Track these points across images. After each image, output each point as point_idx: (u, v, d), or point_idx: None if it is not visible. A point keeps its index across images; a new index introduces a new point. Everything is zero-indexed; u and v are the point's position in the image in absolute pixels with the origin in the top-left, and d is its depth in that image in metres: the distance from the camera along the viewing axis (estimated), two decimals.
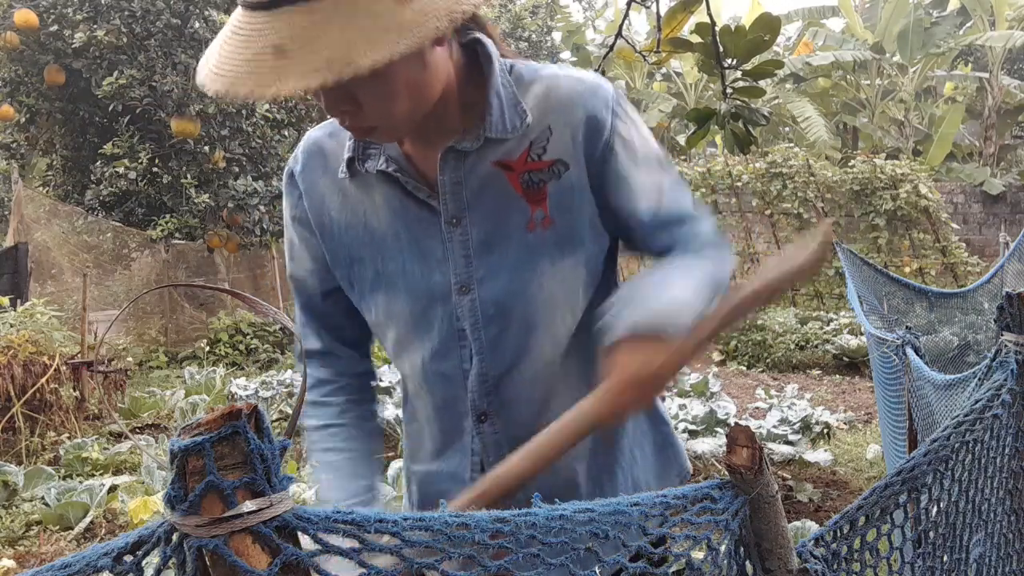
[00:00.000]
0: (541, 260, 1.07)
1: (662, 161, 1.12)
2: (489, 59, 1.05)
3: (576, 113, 1.05)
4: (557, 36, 19.27)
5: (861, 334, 7.91)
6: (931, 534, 1.10)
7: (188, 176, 9.70)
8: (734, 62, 2.00)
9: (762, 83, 2.20)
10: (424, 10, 0.84)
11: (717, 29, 1.95)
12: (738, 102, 2.02)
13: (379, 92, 0.93)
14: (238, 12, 0.89)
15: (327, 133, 1.14)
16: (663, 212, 1.10)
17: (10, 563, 3.63)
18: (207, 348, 9.29)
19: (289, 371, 7.39)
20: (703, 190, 12.51)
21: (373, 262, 1.12)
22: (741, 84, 2.06)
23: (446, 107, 1.03)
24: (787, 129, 18.54)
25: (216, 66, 0.88)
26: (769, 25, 1.93)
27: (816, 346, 8.79)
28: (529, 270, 1.07)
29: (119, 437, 5.78)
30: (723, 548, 0.85)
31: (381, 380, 6.46)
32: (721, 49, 1.96)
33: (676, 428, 4.91)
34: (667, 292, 1.02)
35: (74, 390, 5.86)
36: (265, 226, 10.51)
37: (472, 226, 1.07)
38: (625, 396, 0.97)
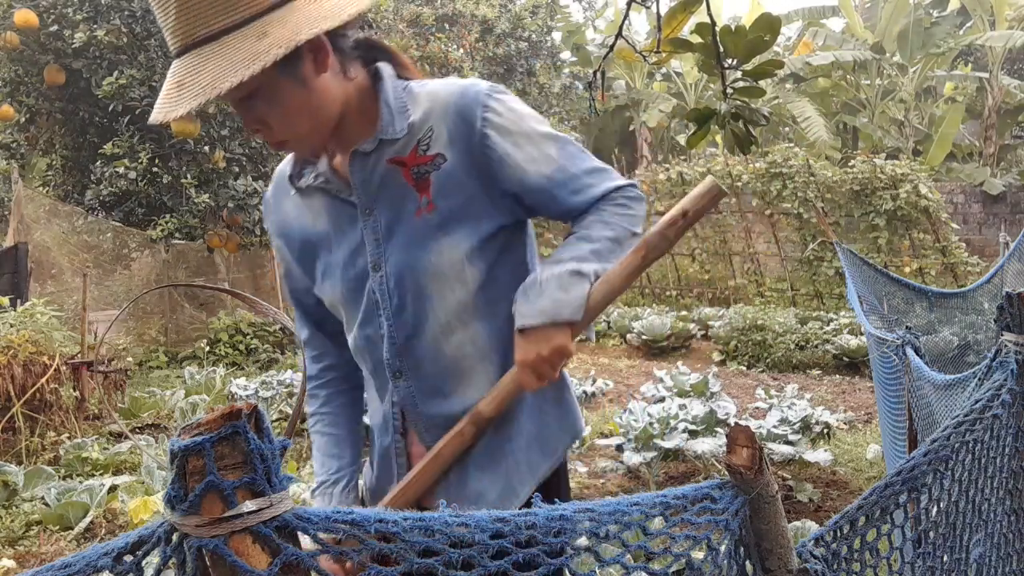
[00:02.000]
0: (427, 240, 1.30)
1: (547, 135, 1.32)
2: (380, 78, 1.31)
3: (448, 111, 1.29)
4: (557, 36, 19.27)
5: (861, 334, 7.91)
6: (931, 534, 1.10)
7: (188, 176, 9.69)
8: (734, 62, 1.99)
9: (762, 83, 2.20)
10: (272, 42, 1.12)
11: (717, 29, 1.95)
12: (738, 102, 2.02)
13: (276, 113, 1.21)
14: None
15: (287, 163, 1.43)
16: (557, 176, 1.31)
17: (10, 563, 3.63)
18: (207, 348, 9.29)
19: (289, 371, 7.39)
20: None
21: (322, 257, 1.39)
22: (741, 84, 2.05)
23: (351, 121, 1.29)
24: (787, 129, 18.54)
25: (158, 102, 1.18)
26: (769, 25, 1.92)
27: (816, 346, 8.79)
28: (419, 248, 1.30)
29: (119, 437, 5.78)
30: (723, 548, 0.85)
31: None
32: (721, 49, 1.96)
33: (676, 428, 4.91)
34: (552, 287, 1.26)
35: (74, 390, 5.86)
36: (265, 226, 10.51)
37: (380, 215, 1.32)
38: (523, 377, 1.27)
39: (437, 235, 1.29)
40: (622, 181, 1.35)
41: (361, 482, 1.50)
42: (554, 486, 1.40)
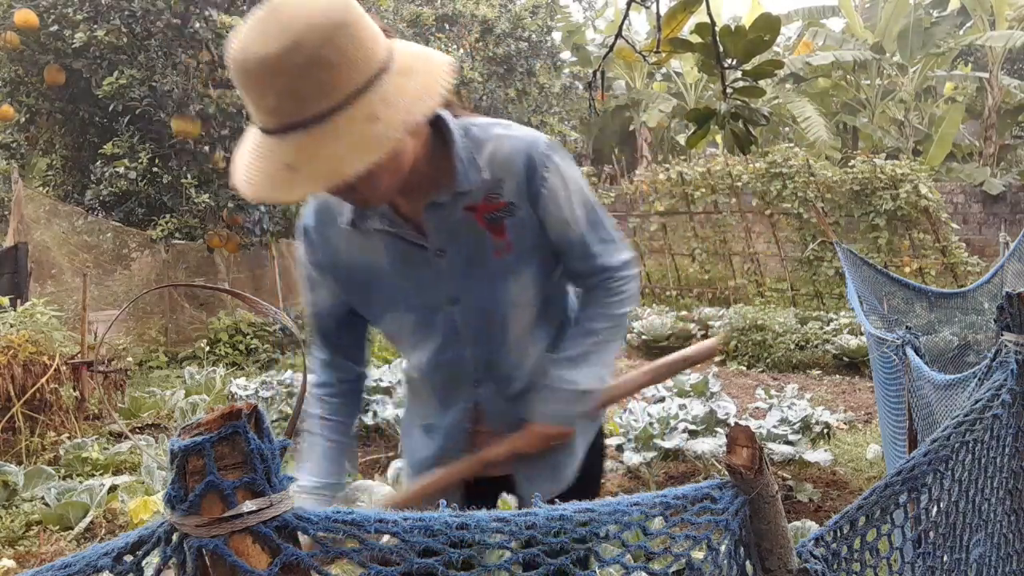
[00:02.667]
0: (507, 276, 1.47)
1: (583, 201, 1.50)
2: (450, 131, 1.40)
3: (517, 168, 1.42)
4: (557, 36, 19.27)
5: (861, 334, 7.91)
6: (931, 534, 1.10)
7: (188, 176, 9.69)
8: (734, 62, 1.99)
9: (762, 83, 2.20)
10: (387, 126, 1.15)
11: (717, 29, 1.95)
12: (738, 102, 2.02)
13: (365, 179, 1.24)
14: (257, 134, 1.21)
15: (330, 198, 1.46)
16: (575, 242, 1.51)
17: (10, 563, 3.63)
18: (207, 348, 9.28)
19: (289, 371, 7.39)
20: (703, 190, 12.52)
21: (379, 290, 1.51)
22: (741, 84, 2.05)
23: (420, 170, 1.36)
24: (787, 129, 18.53)
25: (247, 177, 1.21)
26: (769, 25, 1.92)
27: (816, 346, 8.79)
28: (500, 284, 1.48)
29: (119, 437, 5.78)
30: (723, 548, 0.85)
31: (381, 380, 6.46)
32: (721, 49, 1.96)
33: (676, 428, 4.92)
34: (564, 398, 1.53)
35: (74, 390, 5.86)
36: (265, 226, 10.50)
37: (454, 256, 1.45)
38: (526, 445, 1.54)
39: (515, 272, 1.48)
40: (623, 258, 1.56)
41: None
42: (598, 445, 1.72)
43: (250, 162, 1.21)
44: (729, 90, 2.04)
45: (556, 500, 1.37)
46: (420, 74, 1.22)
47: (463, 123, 1.43)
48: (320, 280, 1.55)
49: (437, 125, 1.40)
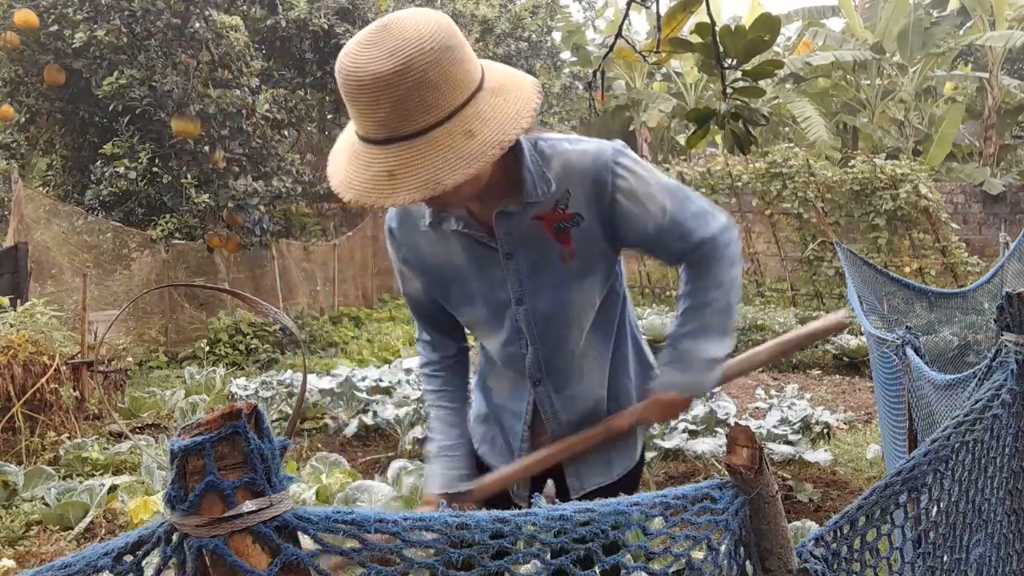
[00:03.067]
0: (571, 282, 1.56)
1: (664, 188, 1.55)
2: (521, 147, 1.48)
3: (585, 180, 1.50)
4: (557, 36, 19.27)
5: (861, 334, 7.90)
6: (931, 534, 1.10)
7: (188, 176, 9.69)
8: (734, 62, 1.99)
9: (762, 83, 2.20)
10: (484, 143, 1.26)
11: (717, 29, 1.95)
12: (738, 102, 2.02)
13: (453, 189, 1.29)
14: (356, 141, 1.31)
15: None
16: (667, 226, 1.55)
17: (10, 563, 3.63)
18: (207, 348, 9.28)
19: (289, 371, 7.39)
20: (703, 190, 12.51)
21: (457, 285, 1.63)
22: (741, 84, 2.05)
23: (493, 179, 1.44)
24: (787, 129, 18.53)
25: (346, 180, 1.31)
26: (769, 25, 1.92)
27: (816, 346, 8.79)
28: (564, 290, 1.57)
29: (119, 437, 5.78)
30: (723, 548, 0.85)
31: (381, 380, 6.46)
32: (721, 49, 1.96)
33: (676, 428, 4.92)
34: (697, 367, 1.62)
35: (74, 390, 5.85)
36: (265, 226, 10.50)
37: (521, 260, 1.55)
38: (652, 414, 1.69)
39: (579, 280, 1.57)
40: (719, 224, 1.60)
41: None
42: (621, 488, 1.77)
43: (350, 168, 1.31)
44: (729, 90, 2.04)
45: (592, 496, 1.57)
46: (512, 95, 1.33)
47: (532, 137, 1.52)
48: (409, 274, 1.69)
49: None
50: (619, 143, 1.56)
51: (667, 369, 1.65)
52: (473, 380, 1.87)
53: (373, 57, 1.22)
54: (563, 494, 1.74)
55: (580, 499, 1.62)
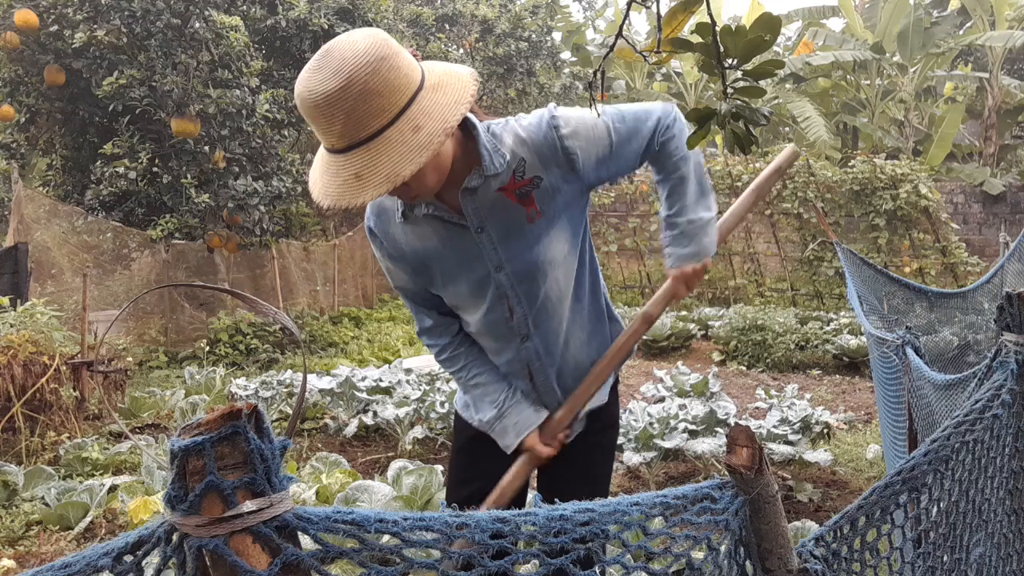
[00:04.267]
0: (541, 237, 1.72)
1: (598, 120, 1.72)
2: (475, 127, 1.65)
3: (535, 144, 1.68)
4: (557, 36, 19.27)
5: (861, 334, 7.91)
6: (931, 534, 1.10)
7: (188, 176, 9.68)
8: (734, 62, 1.99)
9: (762, 83, 2.21)
10: (430, 133, 1.43)
11: (717, 29, 1.95)
12: (738, 102, 2.02)
13: (417, 178, 1.52)
14: (325, 155, 1.49)
15: (387, 199, 1.75)
16: (616, 142, 1.74)
17: (10, 563, 3.63)
18: (207, 348, 9.28)
19: (289, 371, 7.39)
20: None
21: (438, 266, 1.77)
22: (741, 84, 2.05)
23: (455, 164, 1.62)
24: (787, 129, 18.53)
25: (323, 189, 1.48)
26: (769, 25, 1.92)
27: (816, 346, 8.79)
28: (536, 246, 1.72)
29: (119, 437, 5.78)
30: (723, 548, 0.85)
31: (381, 380, 6.46)
32: (721, 49, 1.96)
33: (676, 428, 4.91)
34: (699, 235, 1.83)
35: (74, 390, 5.85)
36: (265, 226, 10.50)
37: (492, 230, 1.70)
38: (679, 291, 1.88)
39: (548, 234, 1.72)
40: (656, 115, 1.78)
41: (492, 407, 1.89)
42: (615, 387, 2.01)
43: (324, 178, 1.48)
44: (729, 90, 2.04)
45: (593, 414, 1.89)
46: (450, 87, 1.49)
47: (485, 123, 1.70)
48: (394, 268, 1.83)
49: (464, 126, 1.67)
50: (551, 105, 1.74)
51: (674, 248, 1.85)
52: None
53: (321, 79, 1.40)
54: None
55: (586, 416, 1.89)
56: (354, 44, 1.42)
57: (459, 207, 1.69)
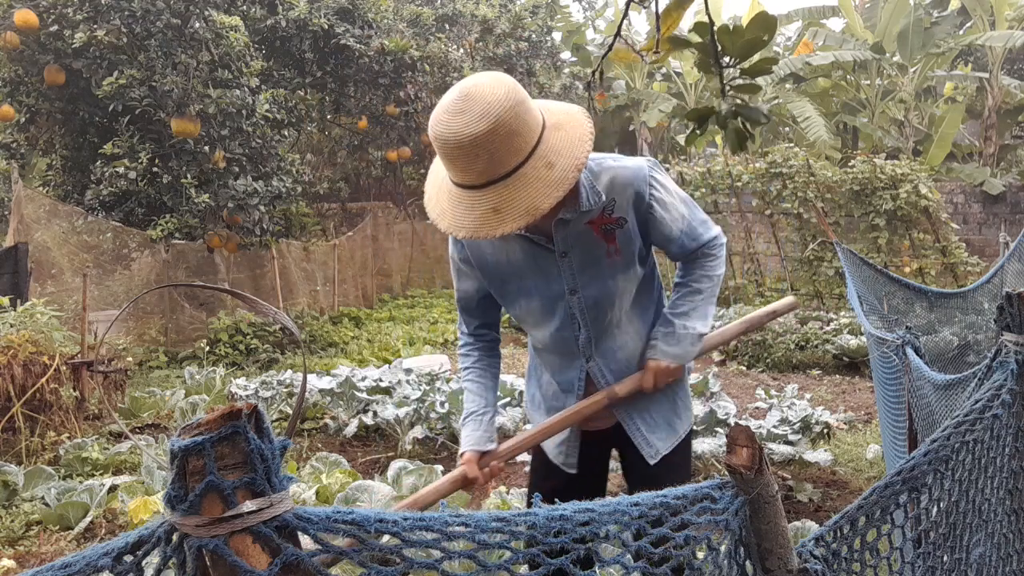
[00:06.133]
0: (616, 275, 1.92)
1: (682, 199, 1.96)
2: None
3: (628, 190, 1.87)
4: (557, 36, 19.27)
5: (861, 334, 7.90)
6: (931, 534, 1.10)
7: (188, 176, 9.68)
8: (732, 61, 2.00)
9: (762, 83, 2.21)
10: (563, 169, 1.61)
11: (715, 28, 1.95)
12: (737, 100, 2.03)
13: (548, 211, 1.65)
14: (453, 188, 1.65)
15: None
16: (684, 230, 1.96)
17: (10, 563, 3.63)
18: (207, 348, 9.27)
19: (289, 371, 7.38)
20: (703, 190, 12.51)
21: (515, 281, 1.95)
22: (739, 82, 2.06)
23: None
24: (787, 129, 18.53)
25: (455, 221, 1.65)
26: (766, 24, 1.93)
27: (816, 346, 8.79)
28: (610, 280, 1.92)
29: (119, 437, 5.78)
30: (723, 548, 0.85)
31: (381, 380, 6.46)
32: (719, 48, 1.97)
33: None
34: (685, 342, 1.98)
35: (74, 390, 5.85)
36: (265, 226, 10.50)
37: (574, 258, 1.89)
38: (647, 381, 1.99)
39: (622, 272, 1.91)
40: (715, 232, 2.01)
41: (501, 419, 1.99)
42: (685, 446, 2.14)
43: (456, 211, 1.64)
44: (727, 88, 2.05)
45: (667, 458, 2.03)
46: (569, 125, 1.65)
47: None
48: (467, 272, 1.99)
49: None
50: (652, 160, 1.91)
51: (662, 344, 1.98)
52: (526, 375, 2.22)
53: (467, 122, 1.55)
54: (629, 465, 2.08)
55: (657, 464, 2.01)
56: (494, 89, 1.57)
57: (549, 232, 1.84)
